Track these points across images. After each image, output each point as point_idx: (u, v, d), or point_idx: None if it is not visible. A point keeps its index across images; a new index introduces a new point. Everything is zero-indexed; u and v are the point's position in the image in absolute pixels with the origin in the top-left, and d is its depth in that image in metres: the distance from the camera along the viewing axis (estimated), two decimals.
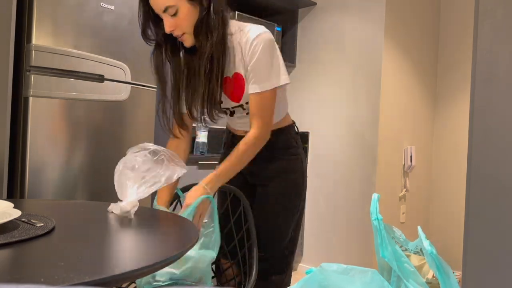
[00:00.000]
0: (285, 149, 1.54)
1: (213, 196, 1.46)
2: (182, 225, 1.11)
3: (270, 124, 1.41)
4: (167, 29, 1.33)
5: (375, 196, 1.19)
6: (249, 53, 1.34)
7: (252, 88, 1.36)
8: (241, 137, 1.45)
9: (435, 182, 3.44)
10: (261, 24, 1.62)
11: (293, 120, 1.65)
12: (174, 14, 1.30)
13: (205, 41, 1.31)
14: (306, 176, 1.60)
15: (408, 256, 1.38)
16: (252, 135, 1.38)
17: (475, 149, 1.07)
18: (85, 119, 2.01)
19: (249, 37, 1.34)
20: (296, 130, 1.63)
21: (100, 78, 2.06)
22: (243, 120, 1.50)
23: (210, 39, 1.30)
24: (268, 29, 1.41)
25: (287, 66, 3.45)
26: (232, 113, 1.51)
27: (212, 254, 1.39)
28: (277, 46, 1.41)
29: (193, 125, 1.63)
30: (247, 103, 1.43)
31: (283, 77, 1.40)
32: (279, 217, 1.51)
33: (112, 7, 2.09)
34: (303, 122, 3.31)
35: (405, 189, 3.16)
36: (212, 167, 2.65)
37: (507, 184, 1.02)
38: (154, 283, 1.41)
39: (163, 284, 1.40)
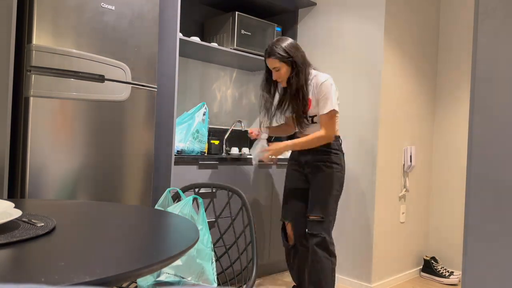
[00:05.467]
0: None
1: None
2: (182, 225, 1.11)
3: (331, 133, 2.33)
4: (274, 78, 2.37)
5: None
6: (317, 90, 2.32)
7: (320, 111, 2.30)
8: None
9: (435, 182, 3.44)
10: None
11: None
12: (278, 71, 2.32)
13: (293, 84, 2.31)
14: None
15: None
16: (319, 133, 2.31)
17: (475, 149, 1.07)
18: (85, 119, 2.01)
19: (319, 81, 2.31)
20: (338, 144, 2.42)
21: (101, 78, 2.06)
22: (307, 129, 2.39)
23: (296, 83, 2.30)
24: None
25: None
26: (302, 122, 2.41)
27: (209, 251, 1.39)
28: (334, 86, 2.32)
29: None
30: (310, 116, 2.36)
31: (333, 105, 2.29)
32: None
33: (113, 7, 2.10)
34: None
35: (405, 189, 3.16)
36: (212, 167, 2.65)
37: (507, 184, 1.02)
38: (157, 279, 1.41)
39: (165, 281, 1.41)
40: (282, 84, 2.37)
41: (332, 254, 2.30)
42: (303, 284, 2.47)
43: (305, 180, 2.43)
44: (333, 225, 2.36)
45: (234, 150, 3.23)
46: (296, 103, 2.32)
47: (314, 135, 2.30)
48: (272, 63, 2.31)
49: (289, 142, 2.34)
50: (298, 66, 2.28)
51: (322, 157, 2.34)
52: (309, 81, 2.32)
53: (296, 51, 2.30)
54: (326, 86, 2.27)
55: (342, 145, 2.47)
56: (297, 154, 2.46)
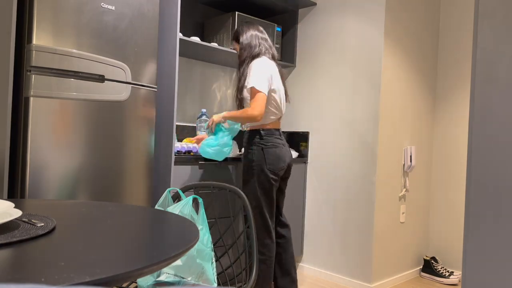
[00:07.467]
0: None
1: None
2: (182, 225, 1.11)
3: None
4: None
5: None
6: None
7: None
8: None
9: (435, 182, 3.44)
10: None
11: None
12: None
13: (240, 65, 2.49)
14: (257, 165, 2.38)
15: None
16: (247, 108, 2.33)
17: (475, 148, 1.07)
18: (85, 119, 2.01)
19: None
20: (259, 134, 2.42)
21: (101, 78, 2.06)
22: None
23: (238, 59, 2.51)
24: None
25: (287, 66, 3.43)
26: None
27: (209, 251, 1.39)
28: (261, 67, 2.34)
29: None
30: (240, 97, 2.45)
31: (253, 83, 2.31)
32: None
33: (113, 7, 2.10)
34: (303, 122, 3.31)
35: (405, 189, 3.16)
36: (212, 167, 2.65)
37: (507, 184, 1.02)
38: (157, 279, 1.41)
39: (165, 281, 1.41)
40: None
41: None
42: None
43: None
44: (264, 221, 2.34)
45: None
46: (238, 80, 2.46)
47: (243, 109, 2.35)
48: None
49: (226, 112, 2.44)
50: (242, 48, 2.46)
51: (246, 151, 2.43)
52: (246, 64, 2.42)
53: (246, 36, 2.46)
54: (251, 65, 2.36)
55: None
56: None
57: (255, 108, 2.27)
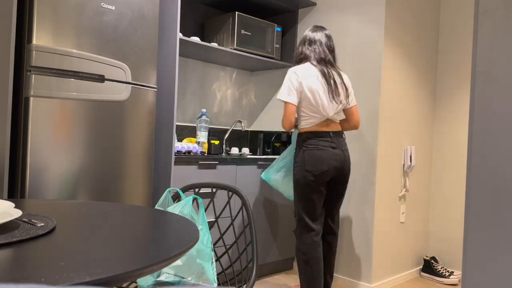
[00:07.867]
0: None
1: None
2: (182, 225, 1.11)
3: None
4: None
5: None
6: None
7: None
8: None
9: (435, 182, 3.44)
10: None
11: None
12: None
13: None
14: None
15: None
16: None
17: (475, 149, 1.07)
18: (85, 119, 2.01)
19: None
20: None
21: (101, 78, 2.06)
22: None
23: None
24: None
25: (287, 66, 3.43)
26: None
27: (209, 251, 1.39)
28: (290, 77, 2.41)
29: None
30: None
31: (279, 95, 2.43)
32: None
33: (113, 7, 2.10)
34: None
35: (405, 189, 3.16)
36: (212, 167, 2.65)
37: (507, 184, 1.02)
38: (157, 279, 1.41)
39: (165, 281, 1.41)
40: None
41: (297, 247, 2.43)
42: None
43: None
44: (302, 221, 2.40)
45: (234, 150, 3.22)
46: None
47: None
48: None
49: None
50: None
51: (294, 154, 2.51)
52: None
53: (300, 41, 2.55)
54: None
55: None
56: None
57: (283, 120, 2.41)
